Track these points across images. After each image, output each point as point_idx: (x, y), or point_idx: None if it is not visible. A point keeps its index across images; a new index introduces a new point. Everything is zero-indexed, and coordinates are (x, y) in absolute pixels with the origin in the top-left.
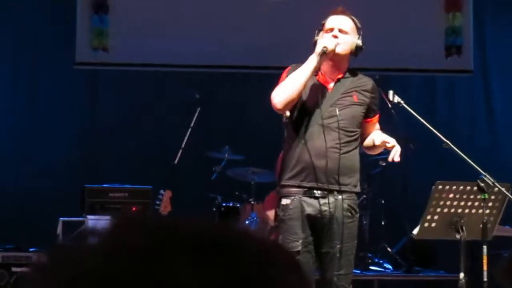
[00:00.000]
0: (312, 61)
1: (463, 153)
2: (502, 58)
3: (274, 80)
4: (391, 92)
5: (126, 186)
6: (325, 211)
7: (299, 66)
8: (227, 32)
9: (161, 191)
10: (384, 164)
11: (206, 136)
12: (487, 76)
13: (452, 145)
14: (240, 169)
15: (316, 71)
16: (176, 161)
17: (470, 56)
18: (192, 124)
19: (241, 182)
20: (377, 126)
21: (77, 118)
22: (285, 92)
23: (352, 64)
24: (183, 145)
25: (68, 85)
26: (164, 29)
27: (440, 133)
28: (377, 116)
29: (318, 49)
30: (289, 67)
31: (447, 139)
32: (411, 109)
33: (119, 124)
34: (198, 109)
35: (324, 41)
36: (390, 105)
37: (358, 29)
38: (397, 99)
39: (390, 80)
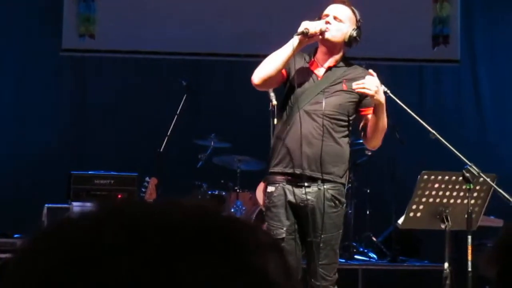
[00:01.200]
0: (292, 40)
1: (450, 142)
2: (489, 47)
3: None
4: None
5: (112, 173)
6: (307, 199)
7: (297, 55)
8: (215, 19)
9: (147, 178)
10: (370, 153)
11: (192, 123)
12: (475, 66)
13: (438, 136)
14: (226, 157)
15: (310, 57)
16: (162, 149)
17: (457, 45)
18: (178, 112)
19: (227, 170)
20: None
21: (64, 104)
22: (263, 68)
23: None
24: (169, 133)
25: (55, 72)
26: (151, 16)
27: (427, 123)
28: (371, 109)
29: (300, 29)
30: None
31: (434, 129)
32: (398, 98)
33: (105, 111)
34: (185, 96)
35: (308, 23)
36: None
37: (357, 20)
38: (384, 88)
39: (377, 70)
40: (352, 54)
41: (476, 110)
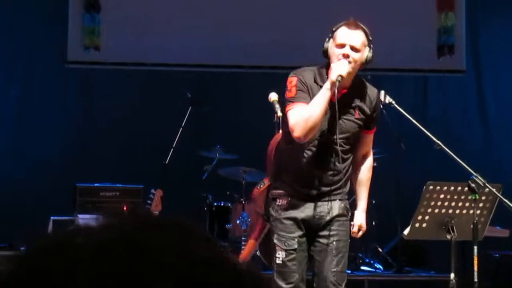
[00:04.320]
0: (327, 92)
1: (455, 153)
2: (494, 57)
3: (265, 79)
4: (382, 92)
5: (118, 185)
6: (321, 212)
7: (305, 76)
8: (219, 31)
9: (152, 190)
10: (375, 164)
11: (198, 135)
12: (480, 76)
13: (443, 146)
14: (232, 169)
15: (321, 76)
16: (167, 160)
17: (462, 55)
18: (183, 123)
19: (232, 181)
20: (371, 141)
21: (69, 117)
22: (307, 124)
23: None
24: (174, 144)
25: (60, 84)
26: (156, 28)
27: (432, 134)
28: (374, 130)
29: (333, 77)
30: (295, 78)
31: (439, 139)
32: (403, 109)
33: (110, 123)
34: (190, 108)
35: (338, 68)
36: (381, 106)
37: (369, 41)
38: (388, 99)
39: (382, 80)
40: None
41: (481, 120)
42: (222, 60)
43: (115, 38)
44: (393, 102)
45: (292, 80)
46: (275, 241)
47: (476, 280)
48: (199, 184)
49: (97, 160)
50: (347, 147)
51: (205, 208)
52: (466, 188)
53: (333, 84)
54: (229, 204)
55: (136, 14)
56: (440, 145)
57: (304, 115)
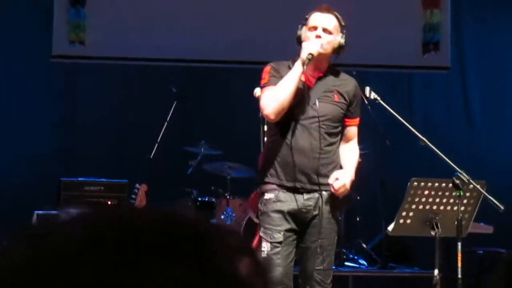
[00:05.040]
0: (298, 68)
1: (440, 150)
2: (480, 54)
3: (250, 75)
4: (367, 89)
5: (102, 179)
6: (308, 206)
7: (279, 65)
8: (205, 27)
9: (137, 185)
10: (360, 160)
11: (183, 130)
12: (464, 73)
13: (428, 143)
14: (216, 164)
15: None
16: (152, 155)
17: (447, 52)
18: (168, 118)
19: (217, 176)
20: (355, 133)
21: (54, 111)
22: (276, 102)
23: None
24: (159, 139)
25: (45, 78)
26: (141, 23)
27: (416, 130)
28: (356, 120)
29: (304, 55)
30: (269, 66)
31: (424, 136)
32: (388, 105)
33: (95, 117)
34: (175, 103)
35: (309, 46)
36: (366, 102)
37: (342, 27)
38: (373, 95)
39: (367, 77)
40: (343, 61)
41: (465, 117)
42: (207, 55)
43: (101, 33)
44: (378, 98)
45: (266, 69)
46: (261, 234)
47: (460, 276)
48: (184, 179)
49: (82, 154)
50: (331, 130)
51: (190, 203)
52: (451, 185)
53: (303, 62)
54: (214, 200)
55: (121, 9)
56: (425, 142)
57: (274, 93)
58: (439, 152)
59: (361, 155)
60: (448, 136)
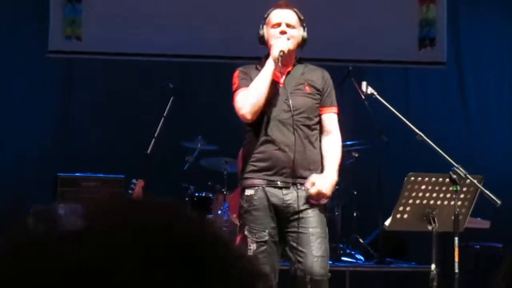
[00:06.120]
0: (270, 67)
1: (436, 145)
2: (475, 50)
3: None
4: (364, 84)
5: (99, 175)
6: (288, 200)
7: (247, 68)
8: (201, 22)
9: (134, 180)
10: (356, 155)
11: (179, 125)
12: (461, 68)
13: (425, 137)
14: (213, 159)
15: (263, 66)
16: (149, 151)
17: (443, 48)
18: (165, 114)
19: (214, 172)
20: (334, 121)
21: (50, 106)
22: (251, 102)
23: (321, 54)
24: (156, 135)
25: (41, 74)
26: (138, 18)
27: (413, 125)
28: (332, 108)
29: (276, 53)
30: (237, 71)
31: (420, 130)
32: (385, 100)
33: (92, 113)
34: (171, 99)
35: (278, 43)
36: (363, 97)
37: (301, 21)
38: (370, 90)
39: (363, 72)
40: (339, 56)
41: (461, 112)
42: (204, 51)
43: (97, 28)
44: (375, 93)
45: (235, 74)
46: (246, 233)
47: (457, 271)
48: (181, 174)
49: (78, 150)
50: (307, 122)
51: (187, 199)
52: (447, 180)
53: (276, 60)
54: (211, 195)
55: (118, 4)
56: (422, 137)
57: (247, 94)
58: (435, 147)
59: (357, 151)
60: (445, 130)
